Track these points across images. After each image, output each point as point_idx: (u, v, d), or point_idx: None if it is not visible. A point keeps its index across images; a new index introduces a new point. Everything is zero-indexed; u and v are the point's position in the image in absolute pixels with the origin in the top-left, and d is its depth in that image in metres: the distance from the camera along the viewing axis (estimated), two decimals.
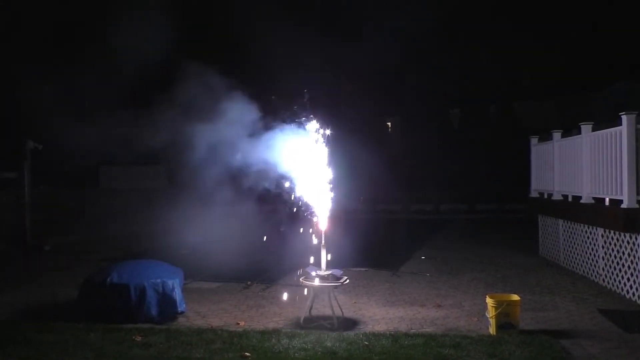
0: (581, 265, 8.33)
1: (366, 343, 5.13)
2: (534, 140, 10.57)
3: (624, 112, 6.64)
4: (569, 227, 8.83)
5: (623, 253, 6.97)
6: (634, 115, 6.59)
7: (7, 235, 11.83)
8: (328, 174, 6.11)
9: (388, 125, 25.49)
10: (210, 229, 8.70)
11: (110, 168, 16.99)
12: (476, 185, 19.60)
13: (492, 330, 5.42)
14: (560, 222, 9.21)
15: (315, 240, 5.98)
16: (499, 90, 21.71)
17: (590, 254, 7.99)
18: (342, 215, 6.65)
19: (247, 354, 4.85)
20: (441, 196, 20.03)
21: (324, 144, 6.15)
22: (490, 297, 5.50)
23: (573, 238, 8.68)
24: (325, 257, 5.88)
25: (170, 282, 6.00)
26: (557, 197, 9.22)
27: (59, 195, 14.20)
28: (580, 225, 8.36)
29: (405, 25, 19.10)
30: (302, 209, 6.15)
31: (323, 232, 5.94)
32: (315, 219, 6.02)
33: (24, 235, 11.99)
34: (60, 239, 12.34)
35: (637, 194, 6.57)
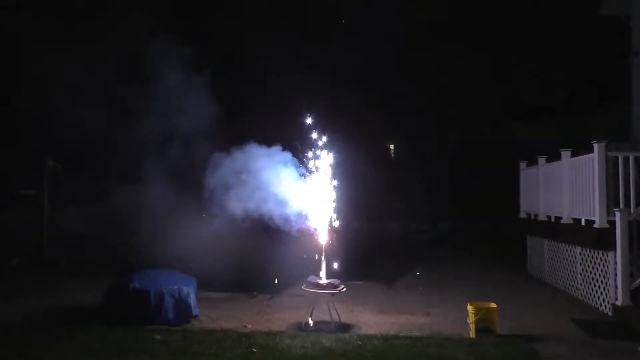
0: (562, 281, 8.99)
1: (359, 343, 5.81)
2: (522, 165, 11.31)
3: (595, 141, 7.38)
4: (552, 246, 9.52)
5: (596, 269, 7.64)
6: (604, 144, 7.32)
7: (25, 250, 12.54)
8: (331, 194, 6.81)
9: (390, 147, 26.32)
10: (218, 246, 9.39)
11: (123, 187, 17.72)
12: (473, 205, 20.26)
13: (472, 333, 6.08)
14: (545, 241, 9.90)
15: (315, 254, 6.69)
16: (496, 111, 22.48)
17: (570, 270, 8.66)
18: (343, 232, 7.34)
19: (254, 350, 5.53)
20: (440, 215, 20.71)
21: (328, 164, 6.84)
22: (471, 305, 6.18)
23: (556, 256, 9.35)
24: (325, 268, 6.60)
25: (185, 289, 6.71)
26: (542, 217, 9.92)
27: (74, 213, 14.93)
28: (561, 244, 9.05)
29: (405, 47, 19.98)
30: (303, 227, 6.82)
31: (323, 246, 6.66)
32: (316, 235, 6.73)
33: (41, 250, 12.70)
34: (76, 254, 13.01)
35: (608, 215, 7.27)
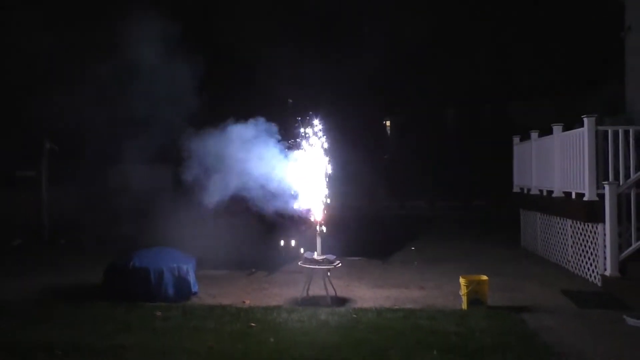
0: (554, 254, 9.18)
1: (354, 316, 5.99)
2: (516, 140, 11.43)
3: (585, 115, 7.49)
4: (545, 220, 9.68)
5: (586, 241, 7.82)
6: (594, 118, 7.43)
7: (25, 231, 12.69)
8: (326, 172, 6.93)
9: (387, 124, 26.37)
10: (215, 228, 9.54)
11: (119, 168, 17.83)
12: (471, 183, 20.44)
13: (464, 305, 6.26)
14: (538, 215, 10.06)
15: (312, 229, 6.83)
16: (494, 90, 22.54)
17: (561, 243, 8.84)
18: (340, 211, 7.47)
19: (253, 324, 5.70)
20: (437, 193, 20.87)
21: (323, 144, 6.95)
22: (463, 278, 6.35)
23: (548, 229, 9.53)
24: (320, 244, 6.75)
25: (184, 267, 6.86)
26: (534, 192, 10.07)
27: (72, 194, 15.06)
28: (553, 217, 9.21)
29: (401, 27, 19.94)
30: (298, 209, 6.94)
31: (319, 223, 6.80)
32: (311, 212, 6.86)
33: (42, 230, 12.85)
34: (75, 234, 13.17)
35: (597, 188, 7.41)
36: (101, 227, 14.06)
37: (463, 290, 6.28)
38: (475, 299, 6.23)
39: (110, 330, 5.54)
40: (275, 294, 7.21)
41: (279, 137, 6.99)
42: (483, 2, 20.72)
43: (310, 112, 6.96)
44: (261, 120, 7.07)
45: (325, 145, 6.93)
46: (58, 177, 14.22)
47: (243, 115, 7.20)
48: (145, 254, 7.03)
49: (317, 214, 6.81)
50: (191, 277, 6.92)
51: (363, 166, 18.20)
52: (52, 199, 13.26)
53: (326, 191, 6.91)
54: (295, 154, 6.92)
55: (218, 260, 8.95)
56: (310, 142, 6.86)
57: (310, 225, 6.89)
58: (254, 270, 8.62)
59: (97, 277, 7.26)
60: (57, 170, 13.92)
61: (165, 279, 6.72)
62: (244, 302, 6.75)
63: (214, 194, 7.61)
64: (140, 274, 6.69)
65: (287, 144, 6.91)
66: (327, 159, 6.94)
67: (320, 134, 6.92)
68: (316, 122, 6.91)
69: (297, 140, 6.93)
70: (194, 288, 6.96)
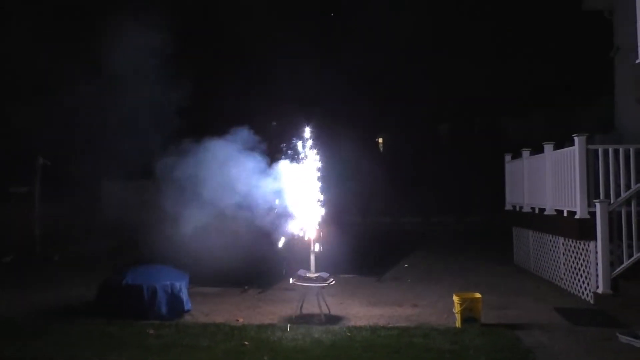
0: (546, 271, 9.22)
1: (348, 334, 5.99)
2: (507, 158, 11.53)
3: (576, 134, 7.58)
4: (537, 237, 9.74)
5: (578, 258, 7.87)
6: (584, 137, 7.53)
7: (18, 246, 12.61)
8: (319, 187, 6.96)
9: (379, 141, 26.51)
10: (206, 241, 9.51)
11: (111, 183, 17.79)
12: (464, 198, 20.54)
13: (457, 323, 6.27)
14: (530, 232, 10.12)
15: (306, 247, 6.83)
16: (486, 105, 22.76)
17: (554, 260, 8.89)
18: (333, 227, 7.48)
19: (246, 342, 5.68)
20: (430, 209, 20.93)
21: (317, 159, 6.99)
22: (456, 295, 6.37)
23: (540, 247, 9.58)
24: (313, 261, 6.76)
25: (178, 284, 6.85)
26: (526, 209, 10.14)
27: (65, 208, 15.00)
28: (545, 235, 9.27)
29: (393, 43, 20.15)
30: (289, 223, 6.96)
31: (312, 240, 6.82)
32: (304, 230, 6.88)
33: (34, 246, 12.78)
34: (68, 249, 13.09)
35: (589, 206, 7.48)
36: (94, 242, 14.00)
37: (457, 308, 6.29)
38: (469, 317, 6.24)
39: (105, 347, 5.51)
40: (269, 311, 7.19)
41: (268, 154, 7.04)
42: (477, 17, 21.01)
43: (301, 130, 7.01)
44: (248, 135, 7.13)
45: (318, 162, 6.98)
46: (51, 193, 14.18)
47: (235, 134, 7.25)
48: (139, 270, 7.02)
49: (311, 232, 6.83)
50: (184, 295, 6.90)
51: (356, 182, 18.28)
52: (45, 214, 13.20)
53: (320, 208, 6.93)
54: (287, 169, 6.95)
55: (210, 277, 8.92)
56: (303, 159, 6.90)
57: (306, 240, 6.89)
58: (246, 287, 8.60)
59: (91, 293, 7.23)
60: (50, 185, 13.89)
61: (158, 297, 6.70)
62: (237, 320, 6.72)
63: (203, 211, 7.62)
64: (133, 291, 6.67)
65: (278, 158, 6.94)
66: (319, 175, 6.97)
67: (312, 150, 6.96)
68: (308, 138, 6.95)
69: (288, 155, 6.96)
70: (187, 305, 6.94)
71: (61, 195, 15.53)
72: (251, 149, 7.16)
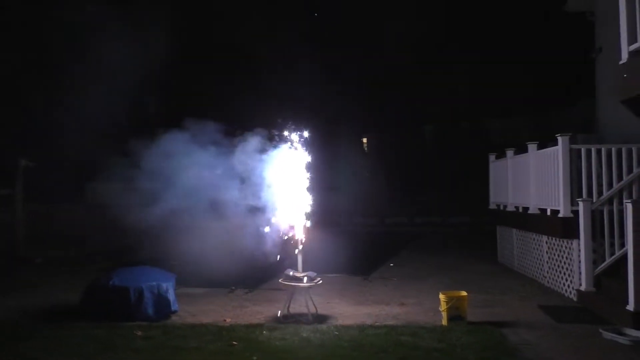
0: (530, 269, 9.34)
1: (336, 333, 6.01)
2: (491, 158, 11.65)
3: (559, 134, 7.69)
4: (521, 236, 9.86)
5: (562, 256, 7.98)
6: (567, 137, 7.64)
7: (1, 250, 12.43)
8: (307, 187, 6.98)
9: (364, 142, 26.61)
10: (193, 242, 9.47)
11: (96, 185, 17.64)
12: (449, 198, 20.67)
13: (444, 321, 6.33)
14: (514, 231, 10.24)
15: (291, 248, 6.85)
16: (471, 107, 22.97)
17: (538, 258, 9.01)
18: (319, 227, 7.50)
19: (235, 342, 5.68)
20: (416, 209, 21.06)
21: (305, 158, 7.00)
22: (443, 294, 6.43)
23: (524, 245, 9.70)
24: (301, 261, 6.77)
25: (164, 285, 6.81)
26: (510, 208, 10.26)
27: (48, 211, 14.84)
28: (529, 234, 9.38)
29: (379, 46, 20.27)
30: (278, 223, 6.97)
31: (300, 240, 6.83)
32: (293, 230, 6.89)
33: (17, 248, 12.61)
34: (51, 252, 12.95)
35: (572, 205, 7.59)
36: (78, 245, 13.87)
37: (443, 306, 6.35)
38: (455, 315, 6.30)
39: (93, 351, 5.48)
40: (257, 311, 7.19)
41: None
42: (461, 20, 21.20)
43: (289, 129, 7.02)
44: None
45: (307, 160, 6.99)
46: (34, 195, 14.01)
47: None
48: (125, 272, 6.98)
49: (298, 232, 6.84)
50: (171, 295, 6.87)
51: (342, 183, 18.34)
52: (28, 217, 13.04)
53: (307, 209, 6.95)
54: (275, 169, 6.97)
55: (197, 277, 8.89)
56: (292, 158, 6.92)
57: (292, 242, 6.90)
58: (233, 287, 8.58)
59: (75, 296, 7.17)
60: (33, 187, 13.72)
61: (145, 298, 6.66)
62: (225, 320, 6.71)
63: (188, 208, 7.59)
64: (119, 292, 6.62)
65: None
66: (307, 175, 7.00)
67: (300, 150, 6.98)
68: (296, 138, 6.97)
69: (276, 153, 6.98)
70: (174, 306, 6.90)
71: (44, 198, 15.37)
72: (236, 148, 7.16)
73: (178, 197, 7.47)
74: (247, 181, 7.07)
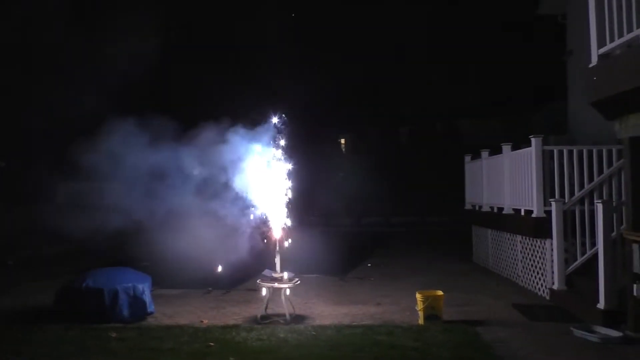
0: (505, 269, 9.48)
1: (314, 333, 6.03)
2: (467, 159, 11.80)
3: (532, 135, 7.83)
4: (496, 236, 10.01)
5: (535, 256, 8.13)
6: (541, 138, 7.79)
7: None
8: (284, 188, 6.97)
9: (342, 142, 26.69)
10: (168, 241, 9.39)
11: (66, 184, 17.36)
12: (424, 199, 20.86)
13: (420, 320, 6.40)
14: (489, 231, 10.39)
15: (269, 247, 6.84)
16: (445, 109, 23.23)
17: (512, 258, 9.15)
18: (296, 228, 7.50)
19: (211, 344, 5.66)
20: (391, 210, 21.19)
21: (282, 159, 7.00)
22: (419, 293, 6.50)
23: (499, 245, 9.85)
24: (279, 261, 6.77)
25: (140, 286, 6.75)
26: (485, 209, 10.40)
27: (16, 211, 14.56)
28: (504, 233, 9.53)
29: (355, 47, 20.37)
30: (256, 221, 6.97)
31: (277, 240, 6.83)
32: (269, 229, 6.89)
33: None
34: (22, 253, 12.71)
35: (545, 205, 7.74)
36: (50, 246, 13.63)
37: (419, 306, 6.42)
38: (431, 314, 6.37)
39: (66, 353, 5.40)
40: (234, 312, 7.17)
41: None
42: (434, 21, 21.42)
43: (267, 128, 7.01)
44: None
45: (284, 162, 6.99)
46: (4, 195, 13.75)
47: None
48: (99, 273, 6.88)
49: (276, 232, 6.84)
50: (147, 297, 6.81)
51: (318, 183, 18.35)
52: (2, 217, 12.78)
53: (285, 209, 6.95)
54: (253, 168, 6.95)
55: (173, 279, 8.82)
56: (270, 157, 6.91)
57: (270, 240, 6.89)
58: (210, 289, 8.53)
59: (48, 298, 7.05)
60: (3, 188, 13.46)
61: (120, 299, 6.58)
62: (201, 321, 6.67)
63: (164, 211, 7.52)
64: (93, 294, 6.54)
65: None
66: (284, 176, 6.99)
67: (279, 150, 6.98)
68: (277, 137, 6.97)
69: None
70: (150, 308, 6.84)
71: (16, 199, 15.07)
72: (214, 145, 7.12)
73: (150, 195, 7.41)
74: (222, 179, 7.04)
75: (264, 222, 6.92)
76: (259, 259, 7.22)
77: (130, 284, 6.73)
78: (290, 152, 7.12)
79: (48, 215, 15.12)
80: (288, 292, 6.80)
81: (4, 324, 6.53)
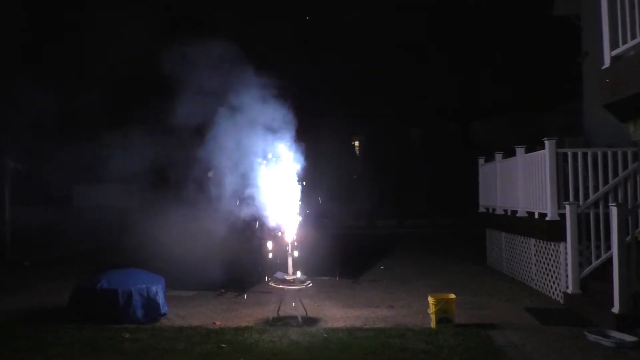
0: (518, 272, 9.42)
1: (325, 336, 6.04)
2: (480, 161, 11.73)
3: (546, 138, 7.78)
4: (509, 239, 9.94)
5: (549, 259, 8.07)
6: (555, 141, 7.73)
7: None
8: (298, 191, 7.00)
9: (355, 144, 26.67)
10: (184, 244, 9.46)
11: (84, 187, 17.59)
12: (438, 201, 20.77)
13: (432, 324, 6.37)
14: (503, 234, 10.32)
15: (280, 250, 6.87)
16: (459, 109, 23.11)
17: (525, 261, 9.09)
18: (309, 230, 7.53)
19: (223, 345, 5.69)
20: (405, 212, 21.13)
21: (297, 161, 7.04)
22: (431, 296, 6.47)
23: (512, 248, 9.78)
24: (291, 264, 6.80)
25: (154, 288, 6.80)
26: (499, 211, 10.34)
27: (35, 213, 14.79)
28: (517, 237, 9.46)
29: (367, 47, 20.32)
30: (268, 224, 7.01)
31: (290, 243, 6.86)
32: (282, 231, 6.92)
33: (4, 251, 12.53)
34: (39, 255, 12.88)
35: (559, 208, 7.67)
36: (66, 247, 13.80)
37: (431, 309, 6.40)
38: (443, 317, 6.35)
39: (79, 353, 5.47)
40: (246, 314, 7.20)
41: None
42: (448, 23, 21.31)
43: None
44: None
45: (296, 165, 7.03)
46: (22, 197, 13.94)
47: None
48: (114, 274, 6.95)
49: (289, 234, 6.87)
50: (160, 298, 6.86)
51: (332, 186, 18.33)
52: (17, 219, 12.98)
53: (298, 211, 6.98)
54: (265, 172, 6.99)
55: (187, 280, 8.87)
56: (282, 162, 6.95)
57: (280, 243, 6.92)
58: (223, 290, 8.58)
59: (62, 298, 7.15)
60: (21, 190, 13.65)
61: (133, 300, 6.64)
62: (214, 323, 6.72)
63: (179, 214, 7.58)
64: (108, 295, 6.60)
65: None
66: (298, 178, 7.03)
67: (291, 152, 7.01)
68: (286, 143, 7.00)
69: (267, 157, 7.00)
70: (163, 309, 6.89)
71: (33, 200, 15.29)
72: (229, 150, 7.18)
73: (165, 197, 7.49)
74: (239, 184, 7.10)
75: (276, 225, 6.96)
76: (271, 261, 7.24)
77: (144, 286, 6.79)
78: (304, 153, 7.15)
79: (64, 217, 15.38)
80: (300, 294, 6.81)
81: (18, 324, 6.63)
